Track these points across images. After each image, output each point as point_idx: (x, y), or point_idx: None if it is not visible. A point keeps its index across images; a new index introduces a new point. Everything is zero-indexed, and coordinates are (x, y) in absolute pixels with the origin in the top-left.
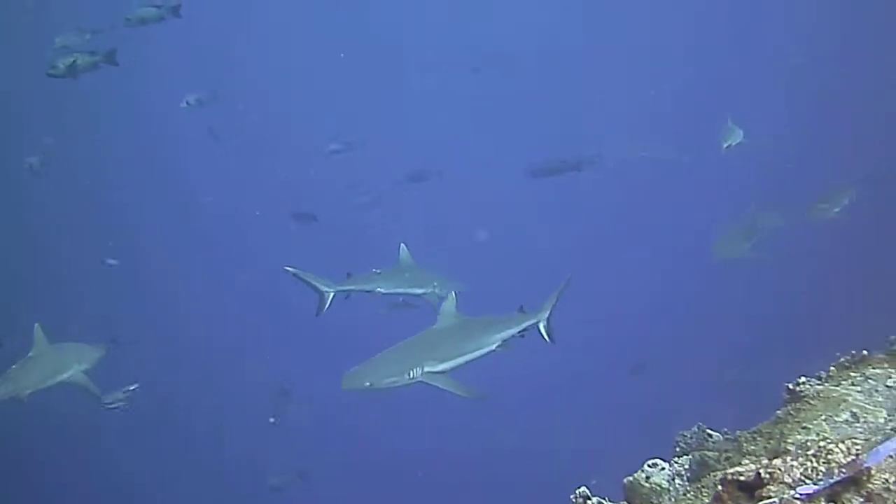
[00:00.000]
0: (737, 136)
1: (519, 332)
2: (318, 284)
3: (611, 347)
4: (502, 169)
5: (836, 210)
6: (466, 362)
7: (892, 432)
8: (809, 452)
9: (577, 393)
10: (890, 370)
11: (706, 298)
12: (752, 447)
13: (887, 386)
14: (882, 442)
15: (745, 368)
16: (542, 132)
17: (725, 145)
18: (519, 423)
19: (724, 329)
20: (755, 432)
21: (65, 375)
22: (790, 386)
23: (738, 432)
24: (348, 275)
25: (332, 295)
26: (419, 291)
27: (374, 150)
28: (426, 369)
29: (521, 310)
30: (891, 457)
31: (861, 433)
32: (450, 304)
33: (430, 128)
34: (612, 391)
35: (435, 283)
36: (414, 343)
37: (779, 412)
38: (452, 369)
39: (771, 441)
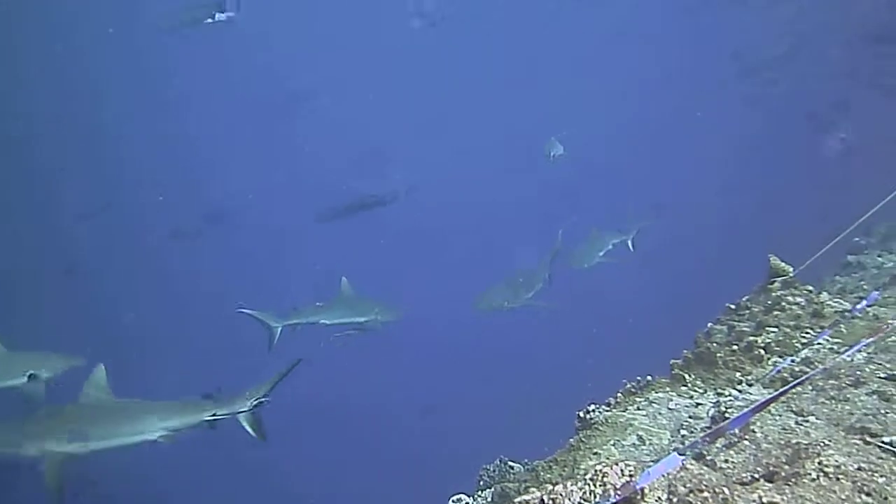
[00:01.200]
0: (558, 149)
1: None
2: (266, 320)
3: (403, 389)
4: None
5: (601, 255)
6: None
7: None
8: (588, 476)
9: (373, 432)
10: (672, 394)
11: (504, 334)
12: (549, 475)
13: (669, 409)
14: (654, 462)
15: (544, 398)
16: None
17: (551, 154)
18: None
19: (522, 361)
20: (552, 461)
21: (11, 382)
22: (581, 414)
23: (536, 462)
24: (294, 308)
25: (279, 329)
26: (361, 319)
27: None
28: None
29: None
30: (663, 476)
31: (647, 455)
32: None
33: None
34: (406, 431)
35: (376, 311)
36: None
37: (572, 440)
38: None
39: (566, 468)
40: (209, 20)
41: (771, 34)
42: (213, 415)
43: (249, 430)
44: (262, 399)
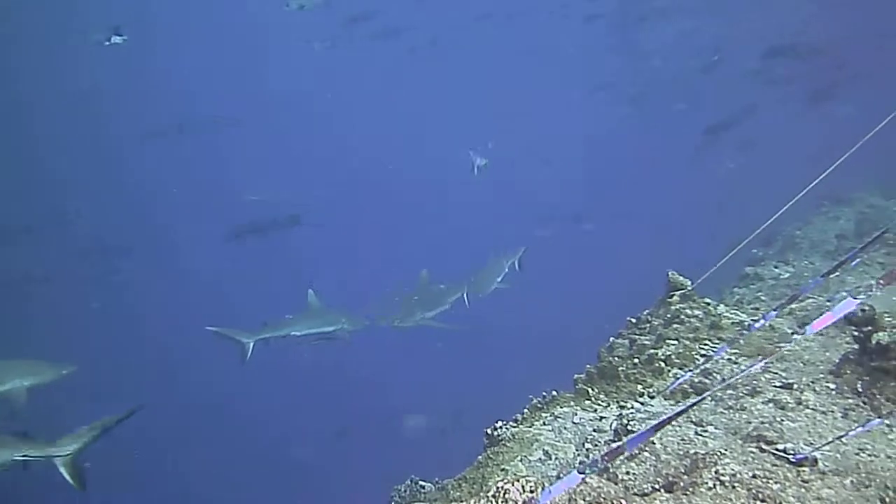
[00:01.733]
0: (481, 161)
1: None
2: (238, 337)
3: (317, 412)
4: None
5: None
6: None
7: (580, 465)
8: (490, 493)
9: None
10: (576, 408)
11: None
12: (458, 493)
13: (574, 423)
14: (559, 478)
15: (454, 418)
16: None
17: (477, 165)
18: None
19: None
20: (461, 479)
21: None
22: (489, 431)
23: (446, 481)
24: (264, 323)
25: (251, 345)
26: (330, 329)
27: None
28: None
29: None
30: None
31: (553, 469)
32: None
33: None
34: (319, 453)
35: (343, 321)
36: None
37: (480, 457)
38: None
39: (474, 486)
40: (107, 42)
41: (681, 49)
42: (25, 455)
43: (67, 476)
44: (85, 446)
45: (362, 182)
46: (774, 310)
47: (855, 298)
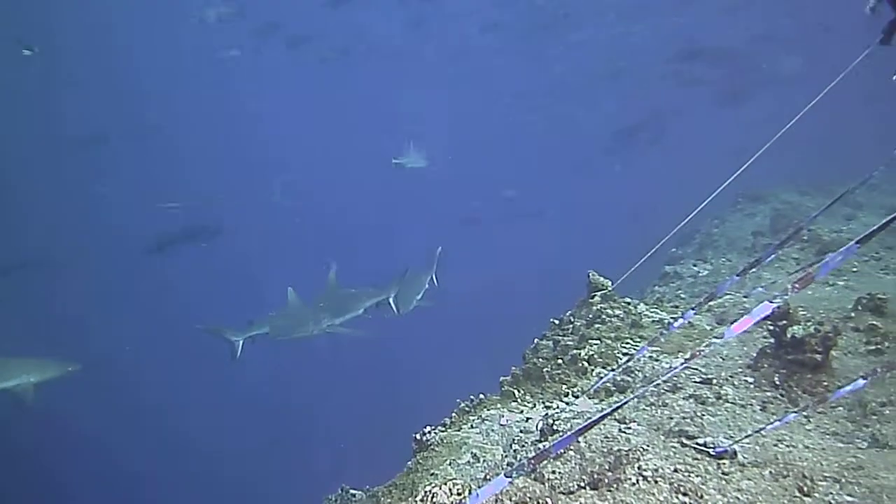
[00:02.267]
0: (417, 161)
1: None
2: (226, 335)
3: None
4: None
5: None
6: None
7: (508, 467)
8: (419, 498)
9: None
10: (503, 410)
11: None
12: (388, 500)
13: (501, 425)
14: (486, 482)
15: (381, 423)
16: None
17: (398, 161)
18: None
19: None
20: (391, 485)
21: (8, 384)
22: (417, 436)
23: (376, 488)
24: (250, 322)
25: (241, 342)
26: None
27: None
28: None
29: None
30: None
31: (482, 472)
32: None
33: None
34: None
35: (325, 316)
36: None
37: (409, 463)
38: None
39: (405, 491)
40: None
41: (590, 54)
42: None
43: None
44: None
45: (278, 187)
46: (692, 308)
47: (772, 302)
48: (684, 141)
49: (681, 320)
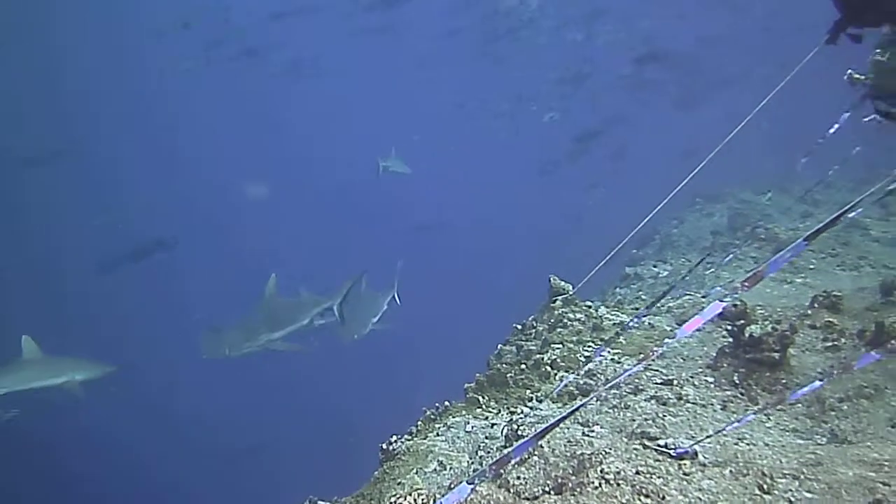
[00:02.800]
0: (400, 167)
1: None
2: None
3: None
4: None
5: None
6: None
7: (474, 474)
8: None
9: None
10: (468, 417)
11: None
12: None
13: (467, 432)
14: (449, 490)
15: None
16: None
17: (384, 166)
18: None
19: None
20: (358, 496)
21: (58, 381)
22: (384, 446)
23: (344, 499)
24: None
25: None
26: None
27: None
28: None
29: None
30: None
31: (448, 479)
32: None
33: None
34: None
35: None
36: None
37: (376, 472)
38: None
39: (372, 501)
40: None
41: (549, 61)
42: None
43: None
44: None
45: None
46: (647, 308)
47: (722, 301)
48: (642, 143)
49: (635, 321)
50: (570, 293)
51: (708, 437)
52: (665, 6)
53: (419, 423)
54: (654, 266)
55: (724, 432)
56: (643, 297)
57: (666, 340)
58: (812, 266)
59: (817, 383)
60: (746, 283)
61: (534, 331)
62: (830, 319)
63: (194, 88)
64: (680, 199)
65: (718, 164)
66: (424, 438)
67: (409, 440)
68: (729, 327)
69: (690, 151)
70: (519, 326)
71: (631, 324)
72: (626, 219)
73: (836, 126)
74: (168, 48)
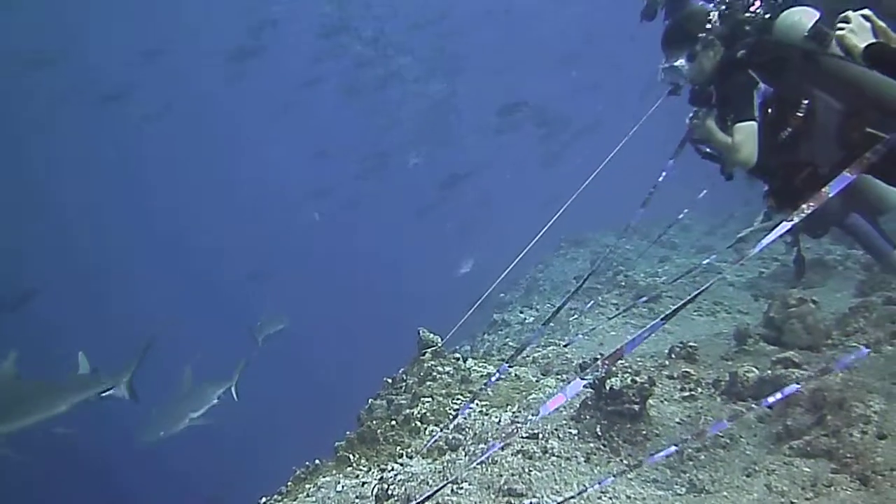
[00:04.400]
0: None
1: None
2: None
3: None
4: None
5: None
6: None
7: None
8: None
9: None
10: (339, 476)
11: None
12: None
13: (338, 492)
14: None
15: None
16: None
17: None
18: None
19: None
20: None
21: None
22: None
23: None
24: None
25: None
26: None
27: None
28: None
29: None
30: None
31: None
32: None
33: None
34: None
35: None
36: None
37: None
38: None
39: None
40: None
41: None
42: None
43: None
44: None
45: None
46: (508, 361)
47: (583, 379)
48: (506, 189)
49: (496, 375)
50: (440, 345)
51: (570, 497)
52: (527, 60)
53: (289, 483)
54: (521, 312)
55: (588, 485)
56: (510, 343)
57: (530, 418)
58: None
59: (672, 448)
60: (607, 361)
61: (404, 384)
62: (687, 370)
63: (51, 131)
64: (545, 244)
65: (580, 210)
66: (294, 500)
67: (278, 501)
68: (590, 380)
69: (553, 196)
70: (389, 380)
71: (496, 376)
72: (494, 264)
73: (664, 174)
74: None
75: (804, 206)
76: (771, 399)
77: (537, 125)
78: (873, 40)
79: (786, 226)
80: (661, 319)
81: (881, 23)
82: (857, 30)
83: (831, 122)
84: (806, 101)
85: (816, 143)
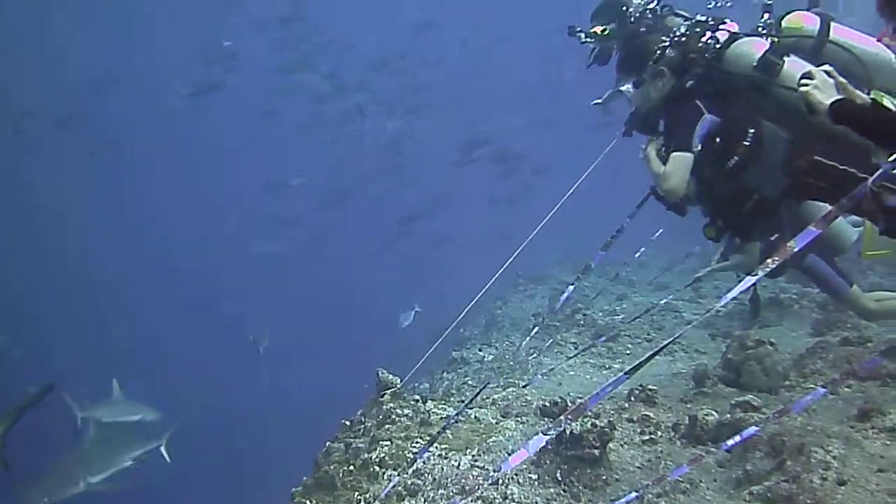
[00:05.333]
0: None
1: None
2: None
3: None
4: None
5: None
6: None
7: None
8: None
9: None
10: None
11: None
12: None
13: None
14: None
15: None
16: None
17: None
18: None
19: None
20: None
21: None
22: None
23: None
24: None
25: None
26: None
27: None
28: None
29: None
30: None
31: None
32: None
33: None
34: None
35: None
36: None
37: None
38: None
39: None
40: None
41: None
42: None
43: None
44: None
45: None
46: (467, 404)
47: (545, 435)
48: (465, 225)
49: (454, 418)
50: (398, 386)
51: None
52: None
53: None
54: (480, 350)
55: None
56: (469, 381)
57: (493, 474)
58: (629, 352)
59: (633, 495)
60: (570, 416)
61: (362, 427)
62: (647, 413)
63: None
64: (504, 280)
65: (540, 246)
66: None
67: None
68: (550, 423)
69: (508, 233)
70: (348, 422)
71: (456, 419)
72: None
73: (628, 221)
74: None
75: (769, 260)
76: (730, 442)
77: (494, 161)
78: (838, 96)
79: (750, 280)
80: (625, 374)
81: (842, 79)
82: (822, 86)
83: (778, 151)
84: (752, 130)
85: (763, 171)
